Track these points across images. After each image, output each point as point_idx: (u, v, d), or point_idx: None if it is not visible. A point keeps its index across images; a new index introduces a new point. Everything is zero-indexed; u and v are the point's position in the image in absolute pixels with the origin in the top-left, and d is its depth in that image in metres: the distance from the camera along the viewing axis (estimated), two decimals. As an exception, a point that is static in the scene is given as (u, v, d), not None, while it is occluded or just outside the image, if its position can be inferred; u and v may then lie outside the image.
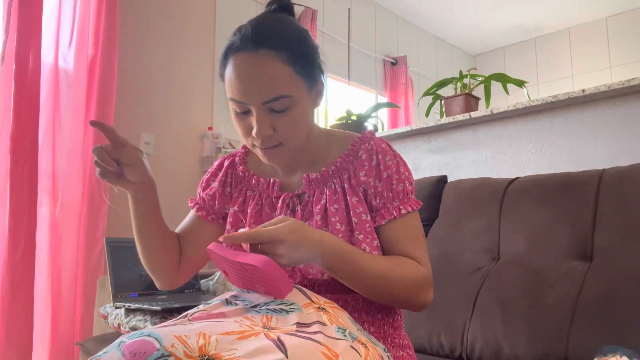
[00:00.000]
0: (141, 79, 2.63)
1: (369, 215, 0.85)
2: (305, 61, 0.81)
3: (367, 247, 0.82)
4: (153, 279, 0.96)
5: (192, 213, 0.99)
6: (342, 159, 0.88)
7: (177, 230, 0.99)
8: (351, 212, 0.84)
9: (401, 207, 0.85)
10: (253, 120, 0.79)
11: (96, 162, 0.81)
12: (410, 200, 0.87)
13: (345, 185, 0.86)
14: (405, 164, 0.90)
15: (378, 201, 0.86)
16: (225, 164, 0.98)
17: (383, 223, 0.85)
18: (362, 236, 0.83)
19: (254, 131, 0.79)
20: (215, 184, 0.96)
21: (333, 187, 0.87)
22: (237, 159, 0.98)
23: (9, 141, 1.99)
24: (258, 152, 0.84)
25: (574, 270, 1.10)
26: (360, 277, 0.77)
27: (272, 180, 0.91)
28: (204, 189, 0.98)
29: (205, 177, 1.00)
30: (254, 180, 0.93)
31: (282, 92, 0.77)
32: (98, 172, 0.82)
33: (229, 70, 0.80)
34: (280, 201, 0.89)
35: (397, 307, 0.89)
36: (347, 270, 0.76)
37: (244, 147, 0.98)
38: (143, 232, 0.90)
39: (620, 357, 0.75)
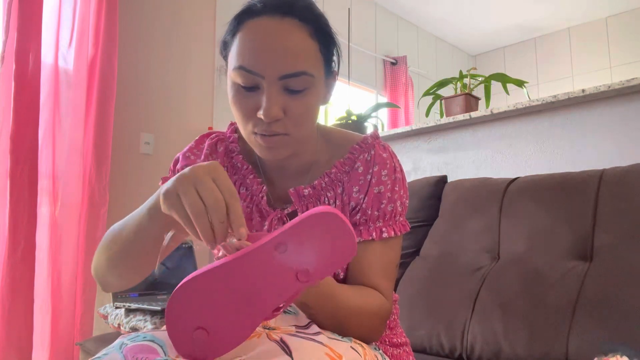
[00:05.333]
0: (141, 79, 2.63)
1: None
2: (329, 44, 0.72)
3: (341, 273, 0.77)
4: (107, 280, 0.73)
5: None
6: (337, 168, 0.79)
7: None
8: None
9: (383, 229, 0.77)
10: (261, 99, 0.67)
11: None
12: (396, 223, 0.79)
13: (337, 202, 0.78)
14: (403, 181, 0.81)
15: (360, 217, 0.78)
16: (220, 149, 0.83)
17: (358, 241, 0.76)
18: None
19: (261, 111, 0.66)
20: None
21: (327, 202, 0.79)
22: (232, 145, 0.84)
23: (9, 141, 1.99)
24: (256, 141, 0.70)
25: (574, 270, 1.10)
26: (333, 314, 0.67)
27: (262, 188, 0.80)
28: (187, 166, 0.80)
29: (188, 155, 0.83)
30: (249, 179, 0.81)
31: (305, 67, 0.67)
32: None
33: (243, 35, 0.67)
34: (268, 220, 0.79)
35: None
36: (320, 307, 0.66)
37: (232, 130, 0.86)
38: (145, 247, 0.66)
39: (620, 357, 0.75)
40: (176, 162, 0.85)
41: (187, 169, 0.55)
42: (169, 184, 0.55)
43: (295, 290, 0.52)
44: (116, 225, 0.71)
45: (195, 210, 0.52)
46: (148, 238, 0.64)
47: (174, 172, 0.84)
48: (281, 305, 0.55)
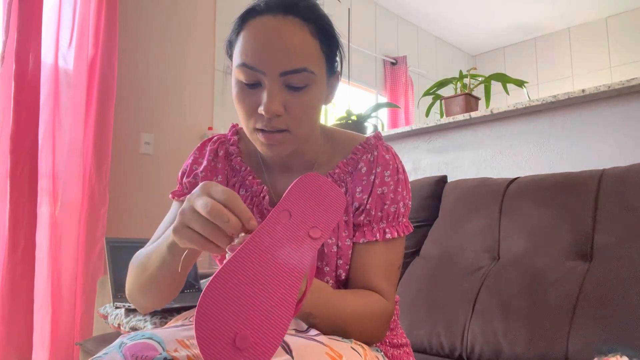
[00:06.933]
0: (141, 79, 2.63)
1: (351, 240, 0.78)
2: (331, 44, 0.73)
3: (343, 273, 0.77)
4: (141, 304, 0.78)
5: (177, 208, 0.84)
6: (340, 169, 0.79)
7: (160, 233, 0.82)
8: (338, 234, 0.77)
9: (387, 230, 0.77)
10: (263, 95, 0.68)
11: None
12: (400, 224, 0.79)
13: None
14: (405, 182, 0.81)
15: (363, 218, 0.78)
16: (220, 153, 0.84)
17: (361, 242, 0.77)
18: (341, 261, 0.77)
19: (262, 107, 0.67)
20: (219, 178, 0.83)
21: None
22: (231, 148, 0.85)
23: (9, 141, 1.99)
24: (258, 138, 0.71)
25: (574, 270, 1.10)
26: (335, 321, 0.68)
27: (263, 188, 0.80)
28: (193, 178, 0.84)
29: (195, 167, 0.85)
30: (248, 181, 0.82)
31: (306, 64, 0.68)
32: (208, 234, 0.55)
33: (246, 34, 0.69)
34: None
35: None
36: (324, 316, 0.67)
37: (233, 132, 0.88)
38: (171, 279, 0.71)
39: (620, 357, 0.75)
40: (183, 174, 0.86)
41: (185, 204, 0.57)
42: (175, 223, 0.58)
43: (312, 252, 0.55)
44: (141, 255, 0.75)
45: (207, 230, 0.54)
46: (172, 270, 0.68)
47: (181, 184, 0.86)
48: (301, 297, 0.55)
